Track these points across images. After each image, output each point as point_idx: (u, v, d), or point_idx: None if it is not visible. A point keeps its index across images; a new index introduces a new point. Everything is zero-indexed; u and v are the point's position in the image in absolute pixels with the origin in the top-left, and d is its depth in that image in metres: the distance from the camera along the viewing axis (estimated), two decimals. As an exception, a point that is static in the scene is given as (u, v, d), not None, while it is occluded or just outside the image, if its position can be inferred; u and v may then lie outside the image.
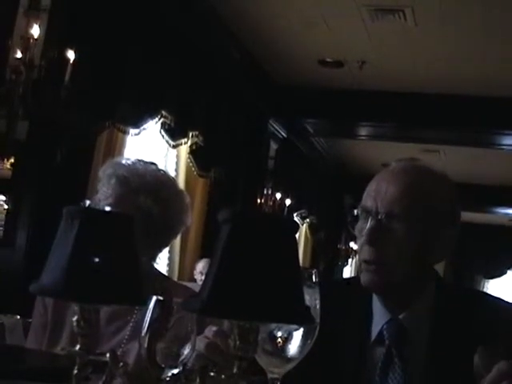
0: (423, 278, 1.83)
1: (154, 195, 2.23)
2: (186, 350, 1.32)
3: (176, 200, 2.31)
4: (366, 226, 1.77)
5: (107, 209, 1.17)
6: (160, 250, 2.38)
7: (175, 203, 2.30)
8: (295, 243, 1.09)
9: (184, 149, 7.07)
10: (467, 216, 9.88)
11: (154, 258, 2.36)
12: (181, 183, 6.64)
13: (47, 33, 4.78)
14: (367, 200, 1.80)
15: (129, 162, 2.30)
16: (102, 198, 2.20)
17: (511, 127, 8.54)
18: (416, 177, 1.82)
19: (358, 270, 1.83)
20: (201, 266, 7.12)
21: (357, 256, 14.63)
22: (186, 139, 6.82)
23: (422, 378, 1.77)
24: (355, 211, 1.82)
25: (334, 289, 1.91)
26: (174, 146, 6.75)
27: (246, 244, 1.04)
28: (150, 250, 2.28)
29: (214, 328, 1.52)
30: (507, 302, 1.88)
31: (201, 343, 1.49)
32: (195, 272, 7.32)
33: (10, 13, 4.65)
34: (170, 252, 7.13)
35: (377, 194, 1.78)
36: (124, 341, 2.12)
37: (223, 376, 1.11)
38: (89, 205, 1.16)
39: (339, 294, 1.88)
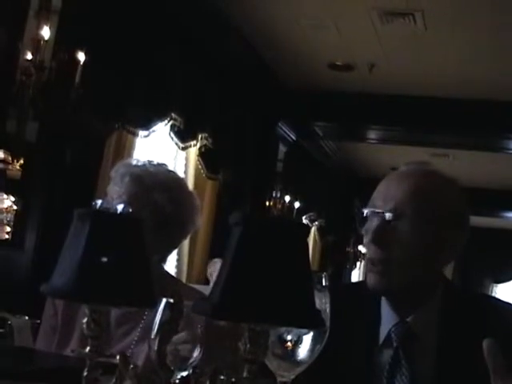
0: (431, 281, 1.84)
1: (167, 194, 2.24)
2: (196, 353, 1.32)
3: (187, 200, 2.32)
4: (372, 225, 1.78)
5: (120, 207, 1.17)
6: (170, 251, 2.39)
7: (187, 203, 2.31)
8: (306, 247, 1.09)
9: (193, 151, 7.08)
10: (476, 220, 9.86)
11: (163, 260, 2.37)
12: (190, 185, 6.61)
13: (57, 34, 4.78)
14: (376, 200, 1.81)
15: (140, 162, 2.31)
16: (115, 196, 2.21)
17: (521, 131, 8.54)
18: (424, 179, 1.83)
19: (364, 270, 1.84)
20: (217, 266, 7.02)
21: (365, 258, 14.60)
22: (195, 141, 6.83)
23: (429, 381, 1.77)
24: (364, 212, 1.83)
25: (342, 292, 1.92)
26: (183, 148, 6.76)
27: (256, 247, 1.04)
28: (160, 250, 2.29)
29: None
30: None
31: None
32: (209, 272, 7.30)
33: (21, 14, 4.66)
34: (178, 254, 7.13)
35: (385, 195, 1.80)
36: (133, 342, 2.13)
37: (233, 379, 1.11)
38: (101, 204, 1.16)
39: (348, 297, 1.89)
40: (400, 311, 1.82)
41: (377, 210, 1.79)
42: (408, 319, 1.81)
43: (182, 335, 1.32)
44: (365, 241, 1.82)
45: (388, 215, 1.76)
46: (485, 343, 1.38)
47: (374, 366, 1.81)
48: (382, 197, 1.80)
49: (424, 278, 1.81)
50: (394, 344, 1.80)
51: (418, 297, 1.82)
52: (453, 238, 1.81)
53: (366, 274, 1.83)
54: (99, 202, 1.24)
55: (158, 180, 2.26)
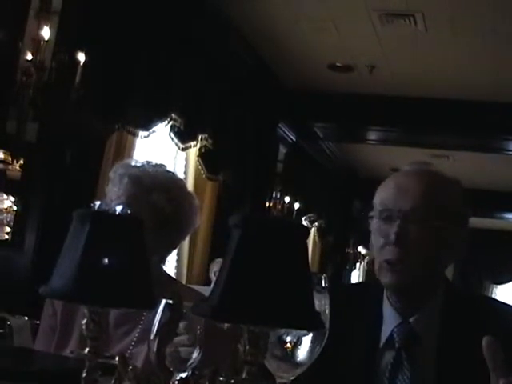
0: (433, 281, 1.85)
1: (166, 195, 2.24)
2: (195, 354, 1.31)
3: (186, 200, 2.32)
4: (386, 226, 1.80)
5: (119, 208, 1.18)
6: (169, 252, 2.39)
7: (186, 203, 2.31)
8: (306, 248, 1.09)
9: (193, 152, 7.07)
10: (476, 222, 9.86)
11: (163, 260, 2.37)
12: (190, 186, 6.63)
13: (58, 35, 4.78)
14: (386, 201, 1.82)
15: (138, 163, 2.31)
16: (114, 197, 2.21)
17: (520, 133, 8.54)
18: (432, 180, 1.86)
19: (377, 270, 1.84)
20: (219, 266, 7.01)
21: (365, 260, 14.66)
22: (195, 142, 6.82)
23: (431, 382, 1.78)
24: (375, 210, 1.84)
25: (342, 293, 1.93)
26: (183, 149, 6.75)
27: (256, 249, 1.04)
28: (160, 250, 2.29)
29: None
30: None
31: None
32: (212, 272, 7.29)
33: (21, 15, 4.66)
34: (178, 255, 7.13)
35: (397, 196, 1.81)
36: (132, 343, 2.13)
37: (233, 381, 1.10)
38: (100, 205, 1.16)
39: (348, 298, 1.89)
40: (403, 311, 1.83)
41: (390, 211, 1.80)
42: (410, 320, 1.81)
43: (183, 338, 1.32)
44: (379, 242, 1.82)
45: (403, 217, 1.78)
46: (484, 341, 1.38)
47: (376, 366, 1.82)
48: (393, 198, 1.82)
49: (427, 277, 1.82)
50: (396, 345, 1.81)
51: (421, 296, 1.83)
52: (455, 238, 1.83)
53: (380, 274, 1.82)
54: (98, 203, 1.23)
55: (156, 181, 2.25)
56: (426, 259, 1.79)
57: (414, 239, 1.77)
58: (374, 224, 1.84)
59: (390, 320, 1.84)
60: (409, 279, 1.79)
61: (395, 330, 1.82)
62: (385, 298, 1.87)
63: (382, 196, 1.85)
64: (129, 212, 1.27)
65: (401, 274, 1.78)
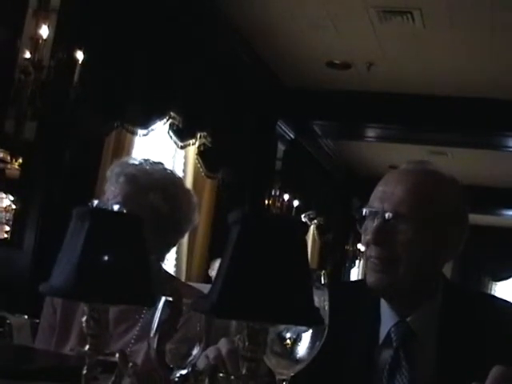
0: (431, 280, 1.84)
1: (163, 193, 2.24)
2: (195, 351, 1.32)
3: (184, 198, 2.32)
4: (371, 225, 1.78)
5: (116, 207, 1.18)
6: (168, 250, 2.38)
7: (183, 201, 2.31)
8: (305, 244, 1.08)
9: (192, 150, 7.07)
10: (475, 218, 9.86)
11: (162, 258, 2.37)
12: (188, 184, 6.64)
13: (56, 33, 4.78)
14: (375, 200, 1.81)
15: (136, 161, 2.31)
16: (111, 197, 2.20)
17: (520, 129, 8.54)
18: (422, 178, 1.83)
19: (364, 269, 1.83)
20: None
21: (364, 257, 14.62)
22: (193, 140, 6.82)
23: (430, 381, 1.77)
24: (363, 211, 1.83)
25: (342, 291, 1.92)
26: (182, 147, 6.75)
27: (255, 245, 1.04)
28: (158, 249, 2.29)
29: (228, 345, 1.51)
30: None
31: (211, 354, 1.49)
32: (211, 271, 7.30)
33: (19, 13, 4.65)
34: (177, 253, 7.13)
35: (384, 195, 1.79)
36: (132, 341, 2.13)
37: (232, 377, 1.11)
38: (97, 204, 1.16)
39: (347, 296, 1.89)
40: (400, 310, 1.82)
41: (376, 210, 1.79)
42: (408, 319, 1.80)
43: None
44: (364, 240, 1.81)
45: (387, 215, 1.76)
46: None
47: (374, 365, 1.81)
48: (380, 196, 1.80)
49: (424, 276, 1.80)
50: (394, 344, 1.80)
51: (418, 296, 1.81)
52: (452, 237, 1.81)
53: (365, 273, 1.82)
54: (95, 202, 1.24)
55: (153, 179, 2.25)
56: (415, 258, 1.76)
57: (400, 239, 1.75)
58: (364, 223, 1.83)
59: (387, 319, 1.83)
60: (392, 280, 1.76)
61: (392, 329, 1.81)
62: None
63: (372, 195, 1.84)
64: (124, 212, 1.27)
65: (382, 274, 1.76)
